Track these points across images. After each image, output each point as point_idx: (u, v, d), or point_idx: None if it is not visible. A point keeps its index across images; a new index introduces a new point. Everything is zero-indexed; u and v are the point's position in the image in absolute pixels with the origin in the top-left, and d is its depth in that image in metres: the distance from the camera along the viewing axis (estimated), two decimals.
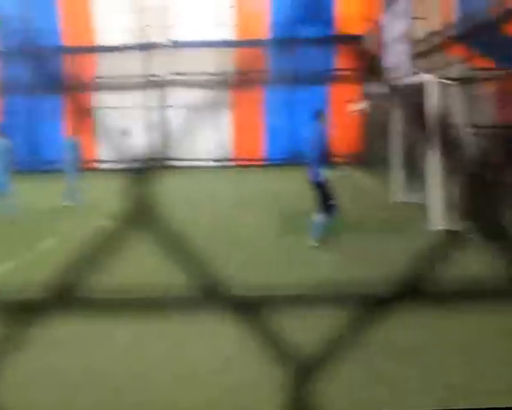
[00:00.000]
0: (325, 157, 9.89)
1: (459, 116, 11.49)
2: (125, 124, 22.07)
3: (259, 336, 0.92)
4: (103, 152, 22.39)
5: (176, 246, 0.87)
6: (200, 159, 22.87)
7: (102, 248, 0.85)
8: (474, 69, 12.24)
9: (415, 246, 7.92)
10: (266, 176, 20.24)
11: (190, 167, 22.55)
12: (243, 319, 0.91)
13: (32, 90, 21.36)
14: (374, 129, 19.51)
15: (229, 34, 24.07)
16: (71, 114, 21.67)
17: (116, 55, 23.40)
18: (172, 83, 23.35)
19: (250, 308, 0.90)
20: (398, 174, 14.15)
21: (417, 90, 11.23)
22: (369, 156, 20.57)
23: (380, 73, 17.02)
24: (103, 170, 20.04)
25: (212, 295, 0.88)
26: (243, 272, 7.88)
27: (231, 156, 24.68)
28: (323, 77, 21.85)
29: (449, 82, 11.68)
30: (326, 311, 0.99)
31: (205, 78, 20.90)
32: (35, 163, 22.57)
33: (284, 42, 20.65)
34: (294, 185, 13.97)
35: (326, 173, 9.77)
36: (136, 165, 0.94)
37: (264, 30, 23.23)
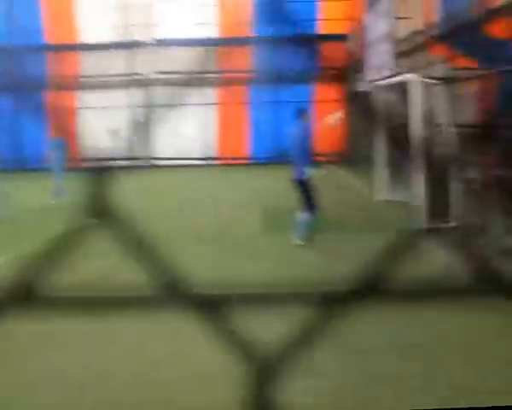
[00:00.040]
0: (309, 156, 9.93)
1: (442, 115, 11.56)
2: (110, 123, 21.99)
3: (222, 334, 0.92)
4: (85, 151, 22.28)
5: (137, 245, 0.88)
6: (184, 158, 22.84)
7: (63, 247, 0.85)
8: (457, 69, 12.32)
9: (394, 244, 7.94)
10: (251, 174, 20.24)
11: (174, 166, 22.54)
12: (206, 317, 0.91)
13: (15, 89, 21.22)
14: (357, 128, 19.58)
15: (212, 32, 24.03)
16: (54, 113, 21.56)
17: (100, 53, 23.31)
18: (156, 81, 23.28)
19: (212, 307, 0.91)
20: (381, 173, 14.21)
21: (401, 90, 11.31)
22: (353, 155, 20.64)
23: (363, 72, 17.10)
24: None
25: (174, 293, 0.89)
26: (225, 269, 7.89)
27: (216, 155, 24.67)
28: (307, 76, 21.88)
29: (432, 81, 11.75)
30: (288, 309, 1.00)
31: (188, 76, 20.87)
32: (18, 162, 22.41)
33: (267, 40, 20.65)
34: (279, 184, 14.00)
35: (310, 172, 9.80)
36: (99, 164, 0.94)
37: (247, 28, 23.20)
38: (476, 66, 11.91)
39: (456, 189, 10.64)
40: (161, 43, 23.68)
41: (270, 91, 23.47)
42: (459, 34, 11.67)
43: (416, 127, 10.92)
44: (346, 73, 21.59)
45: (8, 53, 22.13)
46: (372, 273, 0.88)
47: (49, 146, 15.54)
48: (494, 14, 10.26)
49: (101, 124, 21.04)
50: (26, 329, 5.05)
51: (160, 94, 18.99)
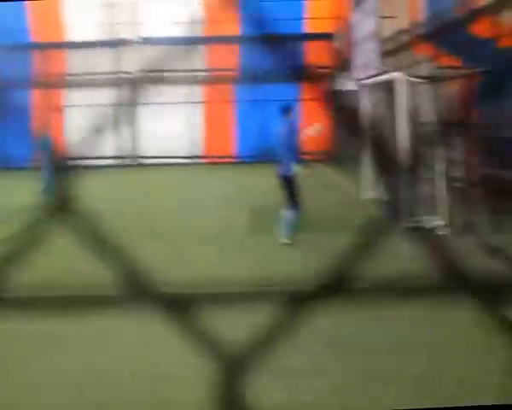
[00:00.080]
0: (295, 153, 9.93)
1: (427, 114, 11.61)
2: (97, 121, 21.87)
3: (189, 332, 0.92)
4: (70, 149, 22.16)
5: (101, 243, 0.87)
6: (170, 156, 22.78)
7: (25, 245, 0.85)
8: (442, 68, 12.37)
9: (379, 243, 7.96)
10: (237, 173, 20.21)
11: (160, 165, 22.47)
12: (173, 316, 0.91)
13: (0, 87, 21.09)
14: (344, 126, 19.60)
15: (197, 31, 23.97)
16: (40, 111, 21.44)
17: (86, 51, 23.20)
18: (142, 80, 23.19)
19: (180, 306, 0.91)
20: (368, 171, 14.23)
21: (386, 88, 11.34)
22: (340, 153, 20.67)
23: (350, 71, 17.14)
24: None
25: (141, 292, 0.89)
26: (206, 268, 7.90)
27: (202, 153, 24.61)
28: (294, 74, 21.87)
29: (417, 80, 11.80)
30: (256, 307, 1.00)
31: (174, 74, 20.83)
32: (1, 161, 22.24)
33: (254, 38, 20.63)
34: (265, 182, 13.99)
35: (296, 170, 9.81)
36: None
37: (233, 26, 23.15)
38: (461, 65, 11.99)
39: (440, 187, 10.70)
40: (147, 41, 23.57)
41: (256, 90, 23.43)
42: (444, 33, 11.73)
43: (402, 125, 10.98)
44: (333, 71, 21.65)
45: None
46: (338, 272, 0.88)
47: (37, 145, 15.49)
48: (478, 13, 10.34)
49: (87, 122, 20.91)
50: None
51: (143, 92, 18.92)
